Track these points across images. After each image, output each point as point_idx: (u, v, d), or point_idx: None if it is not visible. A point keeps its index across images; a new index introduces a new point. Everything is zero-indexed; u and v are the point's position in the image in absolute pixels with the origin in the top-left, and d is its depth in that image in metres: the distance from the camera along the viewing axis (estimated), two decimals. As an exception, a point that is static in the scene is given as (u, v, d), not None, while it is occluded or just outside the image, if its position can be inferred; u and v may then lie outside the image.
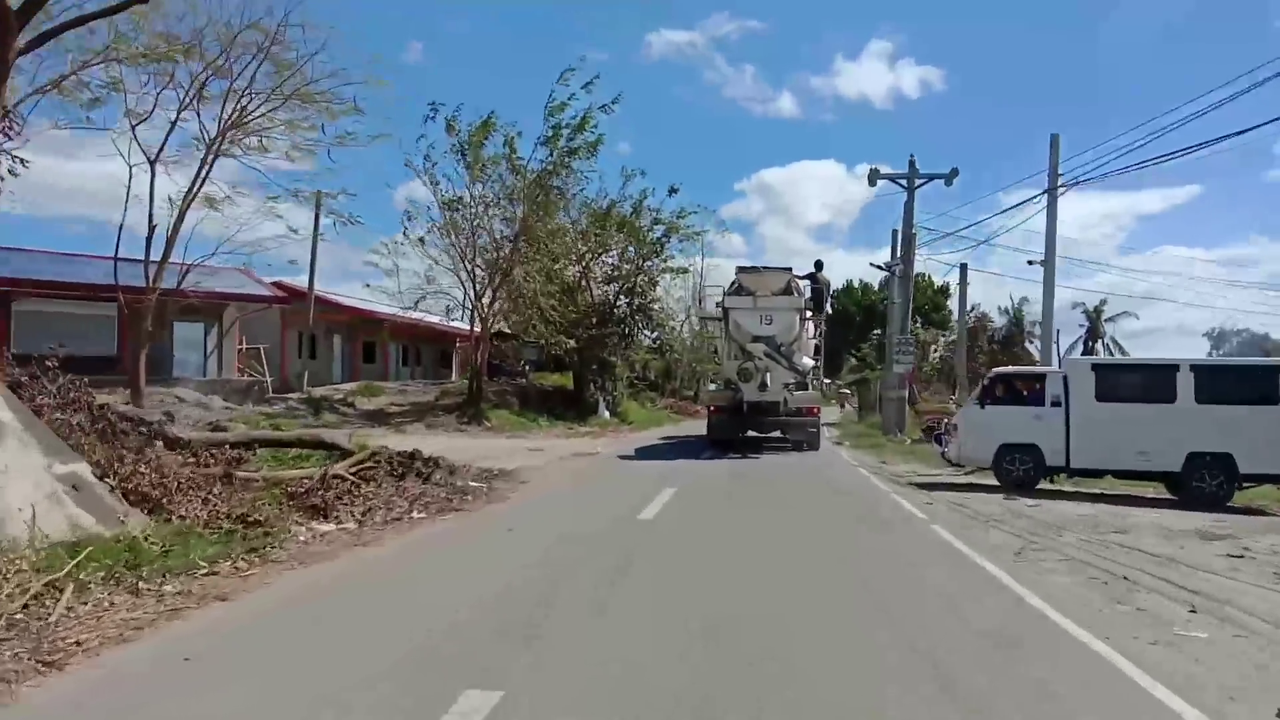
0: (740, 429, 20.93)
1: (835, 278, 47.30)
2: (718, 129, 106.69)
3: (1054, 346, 21.28)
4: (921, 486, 14.06)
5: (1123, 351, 77.29)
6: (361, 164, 32.36)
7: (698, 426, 36.38)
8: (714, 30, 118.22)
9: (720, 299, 21.82)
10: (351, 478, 10.95)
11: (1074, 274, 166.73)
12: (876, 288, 39.98)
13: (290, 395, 28.11)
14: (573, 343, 30.00)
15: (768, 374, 19.68)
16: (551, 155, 27.03)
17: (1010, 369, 17.50)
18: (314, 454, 12.42)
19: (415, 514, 9.61)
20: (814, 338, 23.11)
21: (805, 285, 21.87)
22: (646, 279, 34.18)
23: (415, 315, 30.47)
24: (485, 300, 27.54)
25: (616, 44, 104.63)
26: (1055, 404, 13.40)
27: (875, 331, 39.83)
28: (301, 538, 8.13)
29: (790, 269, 21.68)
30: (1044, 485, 13.84)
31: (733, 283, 21.46)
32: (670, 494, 11.63)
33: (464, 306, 27.37)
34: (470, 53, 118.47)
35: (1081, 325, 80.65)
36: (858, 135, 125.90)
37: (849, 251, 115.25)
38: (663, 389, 45.28)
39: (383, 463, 12.58)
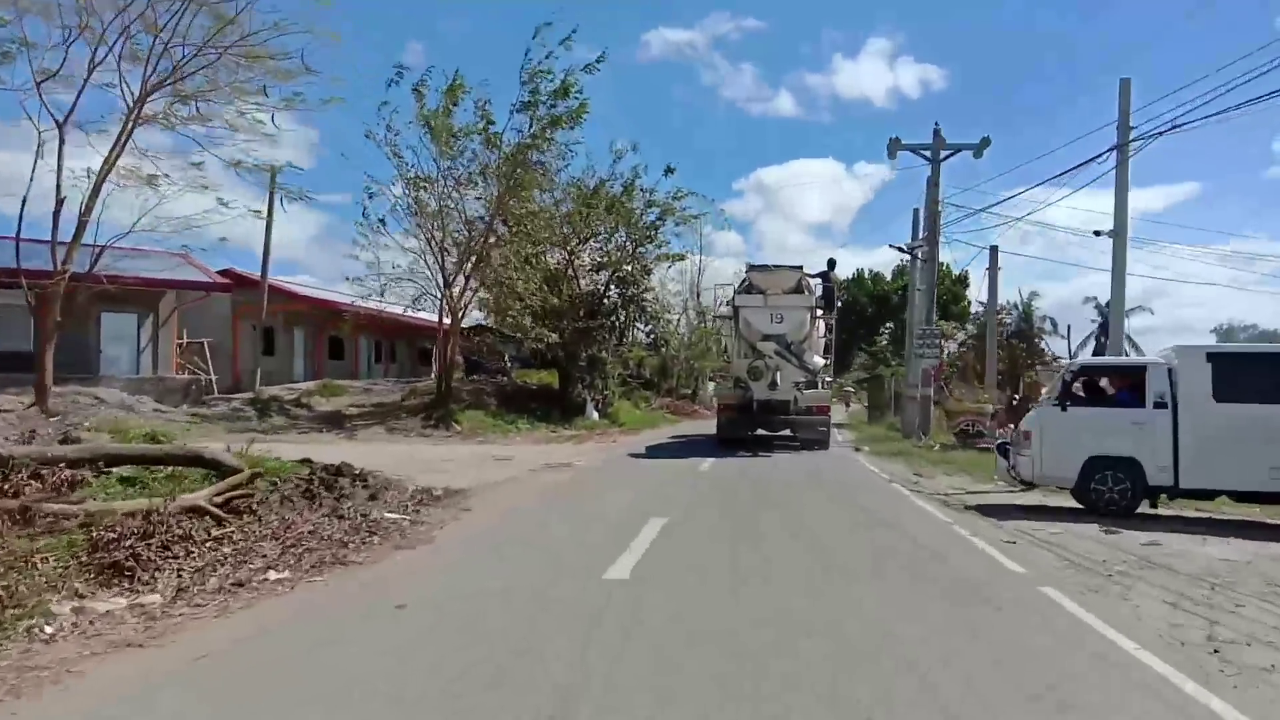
0: (750, 427, 20.75)
1: (840, 272, 44.92)
2: (716, 128, 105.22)
3: (1122, 340, 18.15)
4: (981, 510, 10.96)
5: (1138, 350, 74.43)
6: (339, 141, 29.18)
7: (696, 428, 33.39)
8: (713, 30, 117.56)
9: (730, 297, 21.61)
10: (215, 510, 7.88)
11: (1066, 274, 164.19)
12: (889, 277, 36.83)
13: (237, 395, 25.00)
14: (555, 336, 26.89)
15: (778, 372, 19.67)
16: (530, 125, 23.90)
17: (1099, 360, 14.58)
18: (192, 472, 9.31)
19: (276, 572, 6.49)
20: (824, 336, 22.93)
21: (816, 284, 21.74)
22: (639, 266, 31.06)
23: (382, 306, 27.33)
24: (456, 289, 24.41)
25: (615, 43, 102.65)
26: (1159, 405, 10.31)
27: (888, 325, 36.76)
28: (52, 628, 5.05)
29: (801, 267, 21.39)
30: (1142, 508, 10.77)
31: (743, 281, 21.44)
32: (656, 530, 8.54)
33: (433, 295, 24.21)
34: (469, 53, 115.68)
35: (1094, 320, 77.77)
36: (856, 134, 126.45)
37: (852, 249, 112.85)
38: (658, 388, 42.19)
39: (285, 484, 9.56)
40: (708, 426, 35.47)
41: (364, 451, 16.59)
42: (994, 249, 24.27)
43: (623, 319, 30.98)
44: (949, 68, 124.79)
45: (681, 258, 31.68)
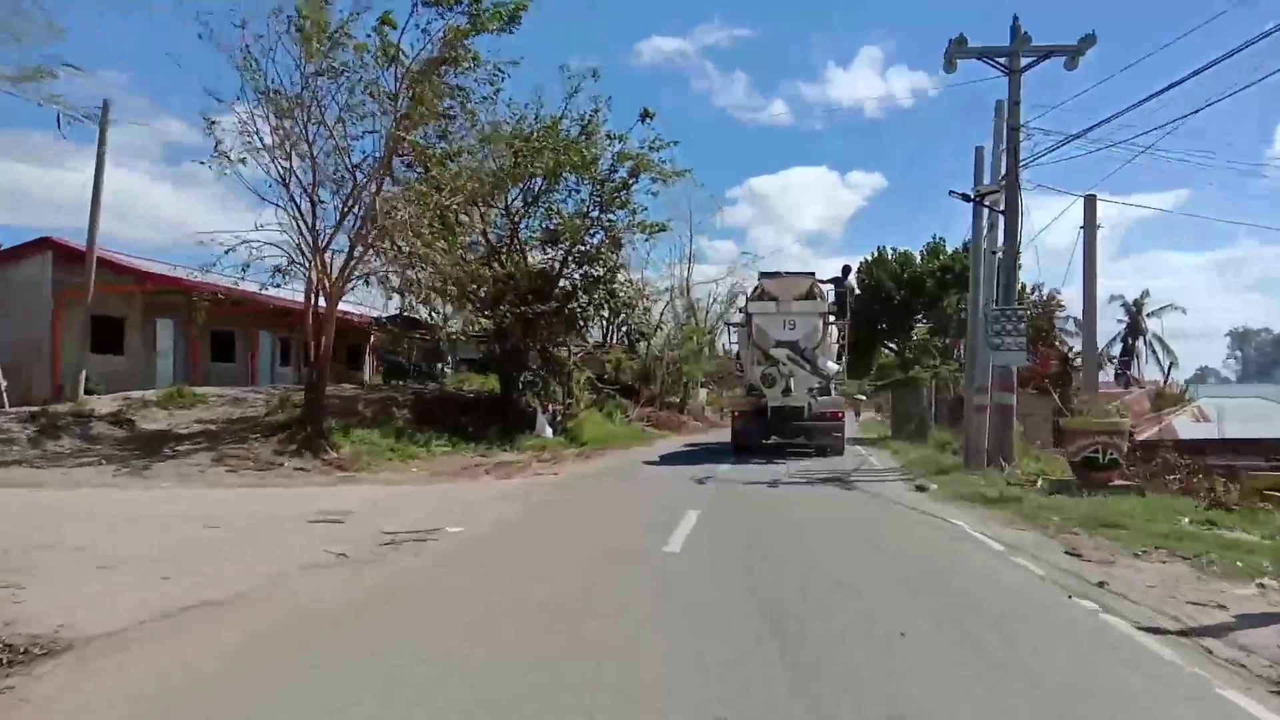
0: (764, 434, 20.78)
1: (858, 252, 38.95)
2: (708, 137, 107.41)
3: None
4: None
5: (1168, 351, 67.32)
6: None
7: (682, 446, 26.41)
8: (704, 38, 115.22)
9: (743, 304, 22.30)
10: None
11: (1052, 273, 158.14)
12: (920, 258, 29.74)
13: (24, 409, 17.73)
14: (486, 322, 19.77)
15: (791, 379, 19.70)
16: (442, 27, 16.83)
17: None
18: None
19: None
20: (837, 343, 22.74)
21: (829, 290, 21.86)
22: (607, 239, 23.89)
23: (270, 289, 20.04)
24: (336, 259, 17.23)
25: (607, 51, 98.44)
26: None
27: (920, 318, 29.63)
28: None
29: (813, 274, 21.55)
30: None
31: (755, 288, 21.59)
32: None
33: (301, 265, 16.94)
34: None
35: (1120, 320, 71.23)
36: (849, 142, 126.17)
37: (845, 257, 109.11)
38: (638, 396, 35.05)
39: None
40: (697, 443, 28.49)
41: (79, 509, 9.53)
42: (1091, 199, 17.14)
43: (585, 305, 23.79)
44: (939, 75, 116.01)
45: (663, 228, 24.48)
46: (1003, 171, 16.78)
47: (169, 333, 24.67)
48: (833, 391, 21.56)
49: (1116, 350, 64.57)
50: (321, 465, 15.62)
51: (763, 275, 22.04)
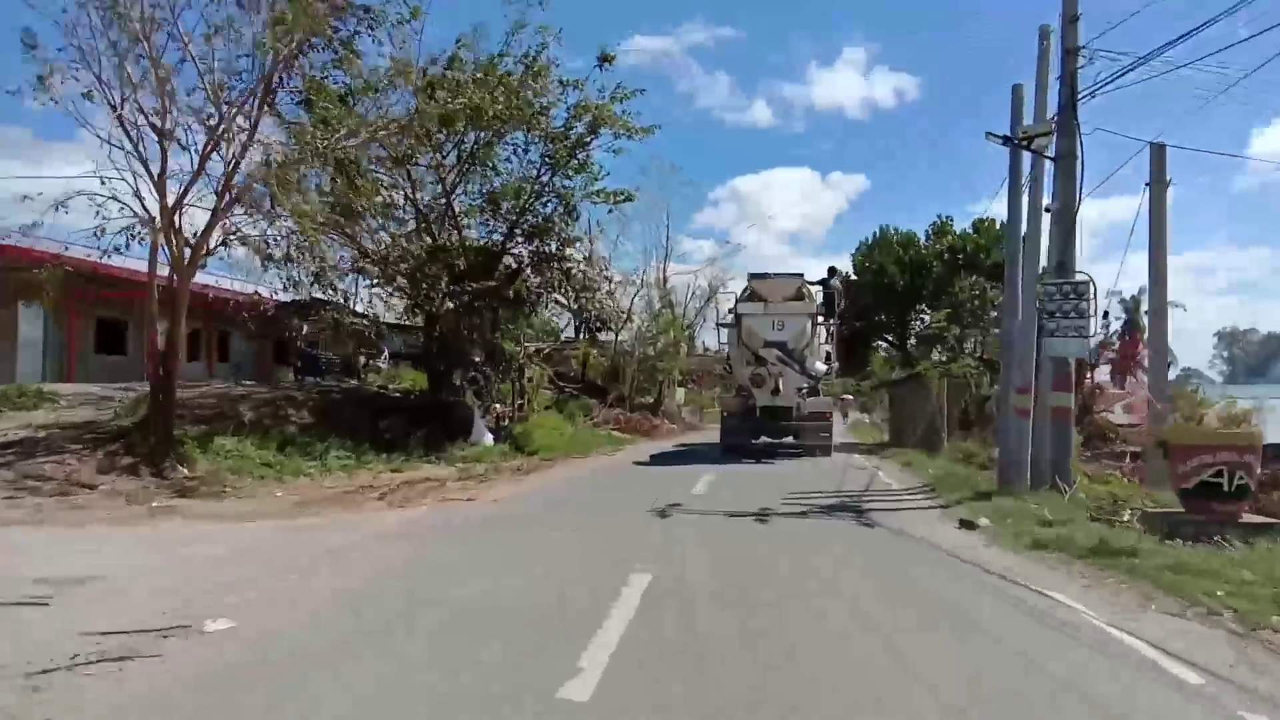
0: (753, 434, 20.91)
1: (854, 236, 36.31)
2: (691, 137, 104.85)
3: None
4: None
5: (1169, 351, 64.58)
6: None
7: (647, 454, 22.72)
8: (688, 38, 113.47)
9: (732, 305, 22.22)
10: None
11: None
12: (924, 238, 25.93)
13: None
14: (401, 296, 15.95)
15: (780, 379, 19.88)
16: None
17: None
18: None
19: None
20: (826, 343, 22.83)
21: (817, 290, 22.19)
22: (561, 208, 20.06)
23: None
24: (190, 220, 13.26)
25: (589, 51, 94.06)
26: None
27: (920, 311, 25.88)
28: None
29: (802, 275, 21.88)
30: None
31: (745, 289, 21.80)
32: None
33: (139, 220, 12.89)
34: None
35: (1118, 318, 68.42)
36: (831, 143, 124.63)
37: (827, 258, 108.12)
38: (606, 395, 31.23)
39: None
40: (670, 449, 24.71)
41: None
42: (1159, 149, 13.50)
43: (535, 287, 19.91)
44: (922, 76, 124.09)
45: (628, 196, 20.61)
46: (1051, 110, 13.06)
47: (38, 320, 20.56)
48: (821, 392, 21.82)
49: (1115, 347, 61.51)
50: (159, 486, 11.66)
51: (752, 276, 22.06)
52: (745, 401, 20.60)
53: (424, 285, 18.29)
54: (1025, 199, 13.83)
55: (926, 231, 25.63)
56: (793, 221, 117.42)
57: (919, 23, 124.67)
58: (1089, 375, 20.10)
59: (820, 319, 21.65)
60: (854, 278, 24.94)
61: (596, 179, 20.10)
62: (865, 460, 20.50)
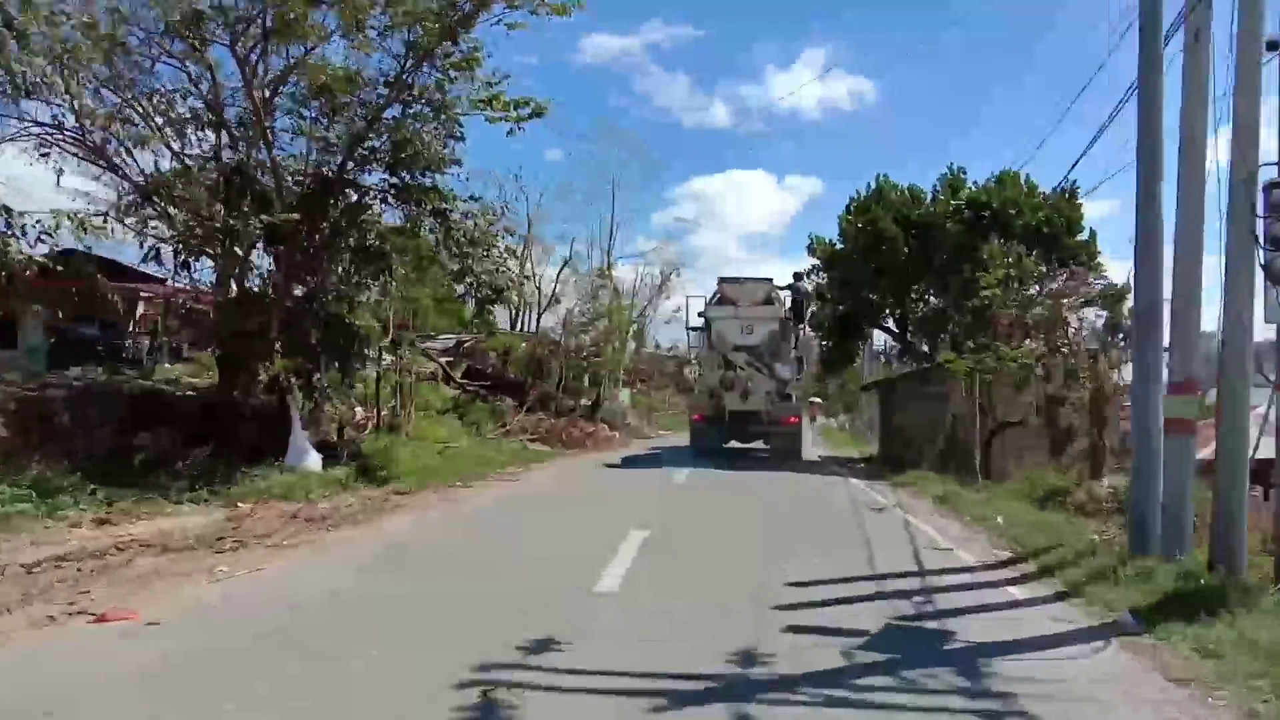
0: (723, 438, 21.14)
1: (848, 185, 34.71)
2: (650, 136, 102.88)
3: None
4: None
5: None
6: None
7: (558, 479, 16.56)
8: (648, 37, 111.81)
9: (702, 309, 22.16)
10: None
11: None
12: (932, 193, 19.94)
13: None
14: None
15: (749, 383, 20.13)
16: None
17: None
18: None
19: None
20: (795, 348, 22.89)
21: (786, 295, 22.39)
22: (437, 122, 13.70)
23: None
24: None
25: (548, 48, 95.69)
26: None
27: (919, 287, 19.73)
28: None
29: (771, 279, 22.06)
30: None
31: (714, 293, 22.00)
32: None
33: None
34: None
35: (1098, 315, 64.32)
36: (788, 145, 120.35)
37: (788, 261, 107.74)
38: (527, 395, 24.87)
39: None
40: (597, 473, 18.53)
41: None
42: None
43: (389, 234, 13.46)
44: (879, 81, 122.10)
45: (537, 110, 14.25)
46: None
47: None
48: (792, 397, 21.90)
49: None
50: None
51: (721, 280, 22.19)
52: (716, 405, 20.57)
53: (217, 228, 11.81)
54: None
55: (935, 187, 19.82)
56: (750, 223, 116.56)
57: (877, 28, 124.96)
58: None
59: (790, 324, 21.88)
60: (838, 247, 19.21)
61: (493, 86, 13.79)
62: (876, 492, 14.56)
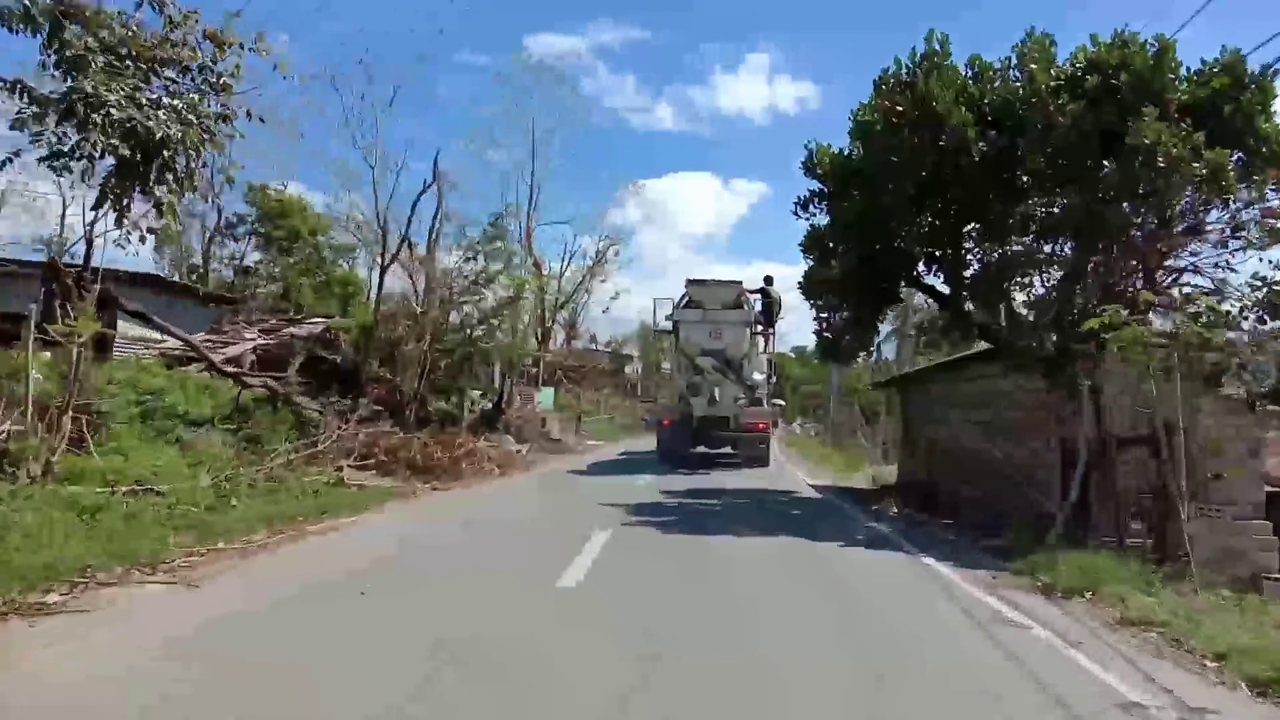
0: (691, 444, 20.60)
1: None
2: (596, 137, 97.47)
3: None
4: None
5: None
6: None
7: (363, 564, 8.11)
8: (596, 37, 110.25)
9: (670, 313, 21.36)
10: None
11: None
12: (1012, 65, 12.54)
13: None
14: None
15: (717, 389, 19.70)
16: None
17: None
18: None
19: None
20: (764, 352, 22.79)
21: (756, 299, 21.55)
22: None
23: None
24: None
25: (495, 47, 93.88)
26: None
27: (1002, 215, 12.00)
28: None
29: (740, 282, 21.34)
30: None
31: (682, 296, 21.20)
32: None
33: None
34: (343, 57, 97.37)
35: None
36: (733, 149, 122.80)
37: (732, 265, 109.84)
38: (362, 392, 16.36)
39: None
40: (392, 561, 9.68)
41: None
42: None
43: None
44: (824, 85, 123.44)
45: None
46: None
47: None
48: (762, 402, 21.40)
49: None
50: None
51: (689, 283, 21.12)
52: (684, 410, 20.23)
53: None
54: None
55: (1015, 52, 11.63)
56: (695, 226, 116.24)
57: (821, 31, 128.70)
58: None
59: (759, 328, 21.52)
60: (853, 156, 11.63)
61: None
62: (951, 580, 6.80)
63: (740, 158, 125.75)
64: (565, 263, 39.43)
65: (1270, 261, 9.19)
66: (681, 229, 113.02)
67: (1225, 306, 8.98)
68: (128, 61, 6.52)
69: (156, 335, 14.38)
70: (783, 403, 40.79)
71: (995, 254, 12.30)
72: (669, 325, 21.71)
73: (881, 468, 20.80)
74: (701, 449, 20.52)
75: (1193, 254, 10.34)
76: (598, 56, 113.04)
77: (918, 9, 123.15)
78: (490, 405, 22.23)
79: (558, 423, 30.50)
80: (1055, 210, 11.40)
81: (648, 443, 27.05)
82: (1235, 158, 10.44)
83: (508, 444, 21.40)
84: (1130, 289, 10.20)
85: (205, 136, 6.89)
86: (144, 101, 6.37)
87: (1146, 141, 9.52)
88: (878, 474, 18.92)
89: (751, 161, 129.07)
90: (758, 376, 21.11)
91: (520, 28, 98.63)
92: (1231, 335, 8.45)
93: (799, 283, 14.21)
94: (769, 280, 22.80)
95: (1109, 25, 13.80)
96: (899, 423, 19.38)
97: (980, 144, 11.13)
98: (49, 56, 6.08)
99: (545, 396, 31.47)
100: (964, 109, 11.20)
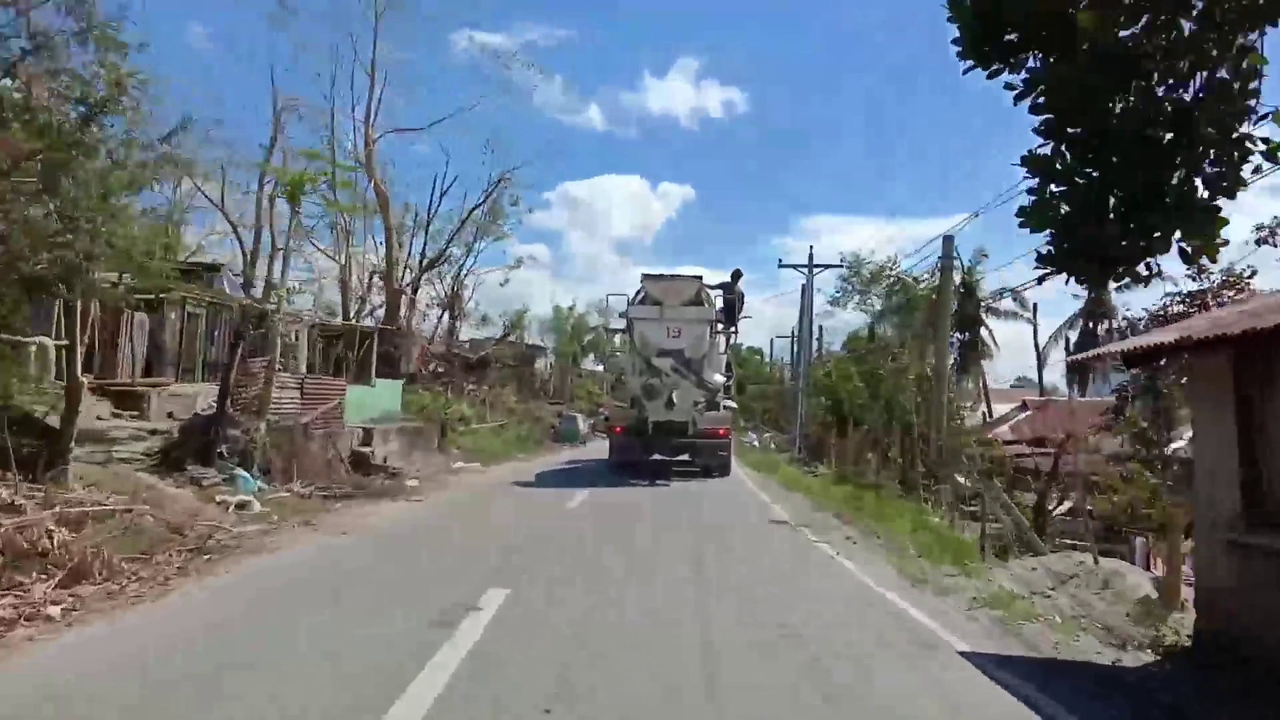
0: (645, 452, 18.96)
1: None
2: (525, 136, 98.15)
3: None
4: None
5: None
6: None
7: None
8: (523, 36, 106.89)
9: (625, 309, 20.48)
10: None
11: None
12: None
13: None
14: None
15: (675, 391, 18.35)
16: None
17: None
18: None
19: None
20: (725, 353, 21.64)
21: (717, 295, 20.51)
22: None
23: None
24: None
25: (420, 43, 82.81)
26: None
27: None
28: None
29: (700, 277, 20.17)
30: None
31: (638, 291, 20.15)
32: None
33: None
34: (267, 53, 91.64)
35: (1077, 296, 52.93)
36: (661, 152, 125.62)
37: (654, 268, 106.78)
38: None
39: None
40: None
41: None
42: None
43: None
44: (750, 90, 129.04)
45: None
46: None
47: None
48: (721, 406, 20.15)
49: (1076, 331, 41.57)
50: None
51: (645, 277, 20.01)
52: (637, 415, 18.82)
53: None
54: None
55: None
56: (623, 229, 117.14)
57: (747, 37, 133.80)
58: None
59: (720, 326, 20.23)
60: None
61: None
62: None
63: (669, 161, 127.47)
64: (436, 200, 27.96)
65: None
66: (609, 231, 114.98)
67: None
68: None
69: None
70: (734, 405, 30.73)
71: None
72: (623, 323, 20.67)
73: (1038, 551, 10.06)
74: (657, 456, 18.90)
75: None
76: (526, 55, 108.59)
77: (843, 15, 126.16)
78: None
79: (399, 439, 19.02)
80: None
81: (560, 460, 21.96)
82: None
83: (216, 492, 10.01)
84: None
85: None
86: None
87: None
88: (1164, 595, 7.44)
89: (680, 165, 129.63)
90: (718, 378, 19.91)
91: (443, 23, 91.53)
92: None
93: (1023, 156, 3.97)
94: (736, 275, 21.33)
95: None
96: (1232, 434, 7.57)
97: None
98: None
99: (377, 394, 19.98)
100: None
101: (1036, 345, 42.80)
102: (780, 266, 32.11)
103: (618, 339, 26.53)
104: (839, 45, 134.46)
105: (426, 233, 26.19)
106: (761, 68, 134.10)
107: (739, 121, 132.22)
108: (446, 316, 31.17)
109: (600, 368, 56.58)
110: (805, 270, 30.79)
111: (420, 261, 26.35)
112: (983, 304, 31.76)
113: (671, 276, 20.02)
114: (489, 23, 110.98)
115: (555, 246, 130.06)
